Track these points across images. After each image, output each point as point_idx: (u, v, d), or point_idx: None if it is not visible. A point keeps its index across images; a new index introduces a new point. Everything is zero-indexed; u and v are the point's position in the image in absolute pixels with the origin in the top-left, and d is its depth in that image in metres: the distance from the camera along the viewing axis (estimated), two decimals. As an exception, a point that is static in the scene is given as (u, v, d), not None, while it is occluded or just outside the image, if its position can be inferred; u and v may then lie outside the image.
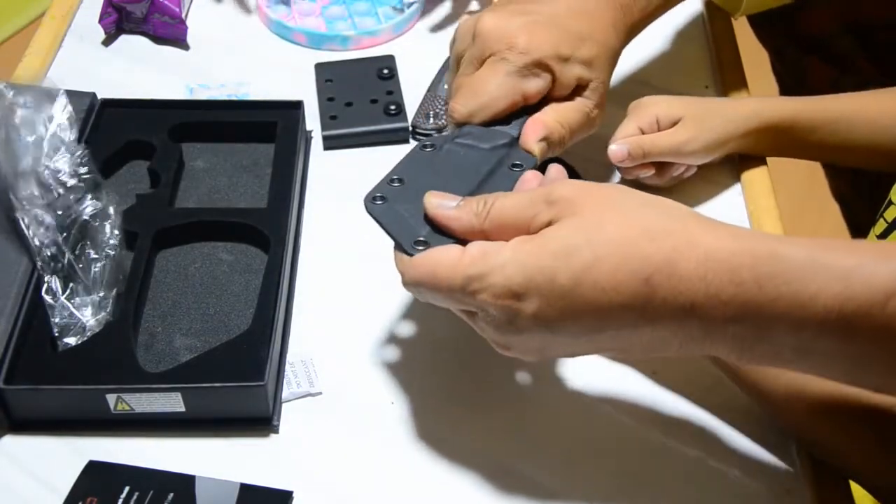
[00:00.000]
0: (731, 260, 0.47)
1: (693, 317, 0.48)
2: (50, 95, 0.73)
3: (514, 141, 0.66)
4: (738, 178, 0.83)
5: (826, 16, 0.96)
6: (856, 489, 0.63)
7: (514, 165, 0.64)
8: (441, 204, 0.56)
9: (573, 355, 0.59)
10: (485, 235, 0.54)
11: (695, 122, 0.77)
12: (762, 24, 1.04)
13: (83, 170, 0.71)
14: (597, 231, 0.49)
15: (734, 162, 0.83)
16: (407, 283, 0.56)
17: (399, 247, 0.57)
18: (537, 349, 0.54)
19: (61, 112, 0.73)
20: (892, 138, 0.76)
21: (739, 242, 0.48)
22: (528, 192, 0.55)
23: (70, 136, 0.72)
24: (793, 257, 0.47)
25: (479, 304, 0.52)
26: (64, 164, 0.70)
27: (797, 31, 0.99)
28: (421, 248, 0.56)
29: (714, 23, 0.99)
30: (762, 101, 0.81)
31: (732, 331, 0.48)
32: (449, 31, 0.98)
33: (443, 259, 0.53)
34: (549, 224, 0.51)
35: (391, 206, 0.60)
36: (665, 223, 0.50)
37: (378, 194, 0.60)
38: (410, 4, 0.99)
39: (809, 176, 1.18)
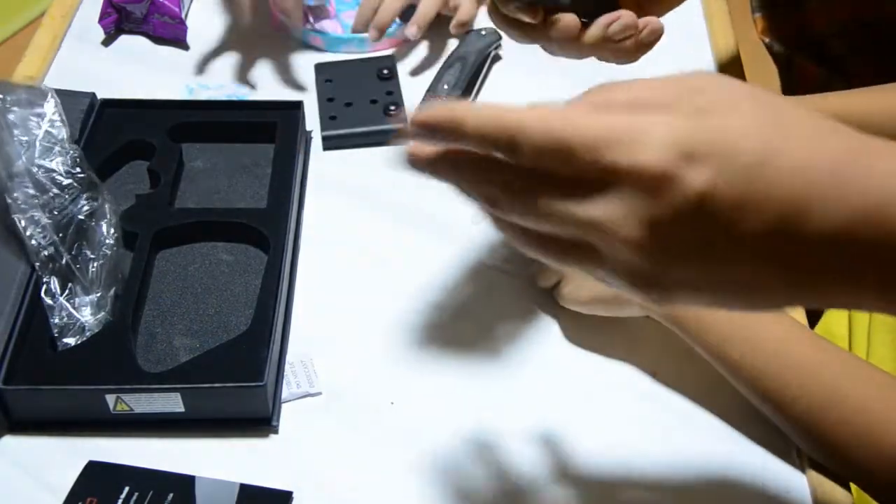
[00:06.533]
0: None
1: (881, 222, 0.37)
2: (41, 94, 0.73)
3: None
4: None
5: (825, 14, 0.96)
6: (856, 489, 0.63)
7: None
8: (545, 115, 0.39)
9: (713, 276, 0.40)
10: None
11: None
12: (765, 19, 1.03)
13: (77, 170, 0.71)
14: (784, 109, 0.39)
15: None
16: (530, 135, 0.39)
17: None
18: (682, 251, 0.39)
19: (52, 111, 0.72)
20: (888, 136, 0.76)
21: None
22: (657, 79, 0.42)
23: (62, 135, 0.72)
24: None
25: (629, 169, 0.37)
26: (58, 164, 0.70)
27: (797, 29, 0.99)
28: None
29: (714, 23, 0.99)
30: None
31: None
32: (449, 32, 0.98)
33: (580, 113, 0.39)
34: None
35: None
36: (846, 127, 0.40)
37: None
38: None
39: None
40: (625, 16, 0.63)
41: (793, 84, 1.04)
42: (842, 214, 0.37)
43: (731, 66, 0.95)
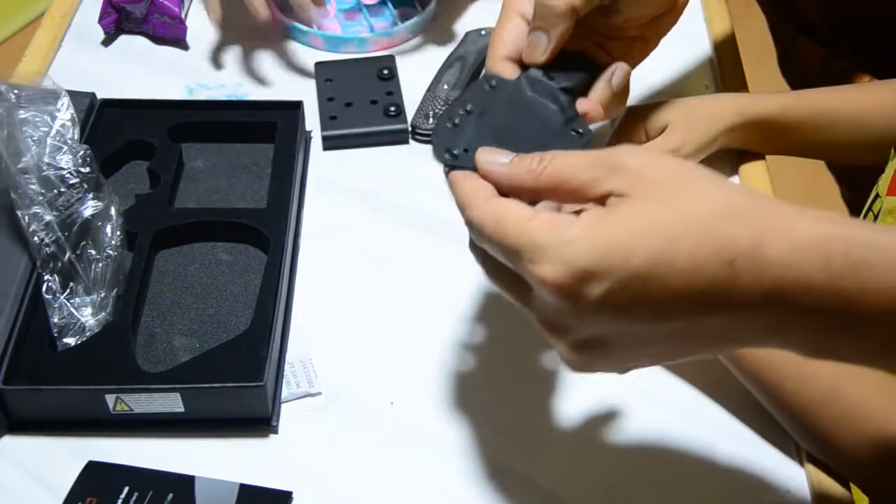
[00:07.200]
0: (824, 245, 0.43)
1: (776, 305, 0.44)
2: (53, 94, 0.73)
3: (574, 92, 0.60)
4: (735, 173, 0.83)
5: (813, 5, 0.97)
6: (856, 490, 0.63)
7: (576, 131, 0.57)
8: (490, 160, 0.51)
9: (630, 355, 0.49)
10: (536, 195, 0.49)
11: (682, 125, 0.77)
12: (763, 9, 1.05)
13: (85, 168, 0.71)
14: (677, 209, 0.45)
15: (732, 157, 0.83)
16: (471, 221, 0.49)
17: (435, 152, 0.53)
18: (595, 341, 0.47)
19: (64, 111, 0.73)
20: (875, 133, 0.76)
21: (832, 227, 0.44)
22: (589, 153, 0.49)
23: (72, 134, 0.72)
24: (894, 246, 0.43)
25: (537, 279, 0.46)
26: (66, 163, 0.70)
27: (794, 12, 1.00)
28: (448, 157, 0.52)
29: (714, 23, 0.99)
30: (746, 98, 0.81)
31: (817, 323, 0.44)
32: (450, 32, 0.98)
33: (512, 211, 0.47)
34: (609, 194, 0.46)
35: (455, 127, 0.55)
36: (747, 203, 0.45)
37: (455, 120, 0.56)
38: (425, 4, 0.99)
39: (810, 173, 1.18)
40: (619, 65, 0.63)
41: (794, 64, 1.04)
42: (742, 301, 0.44)
43: (728, 51, 0.95)
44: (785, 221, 0.44)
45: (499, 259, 0.48)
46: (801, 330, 0.45)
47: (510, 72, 0.59)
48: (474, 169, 0.51)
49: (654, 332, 0.46)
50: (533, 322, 0.49)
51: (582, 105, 0.60)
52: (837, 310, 0.43)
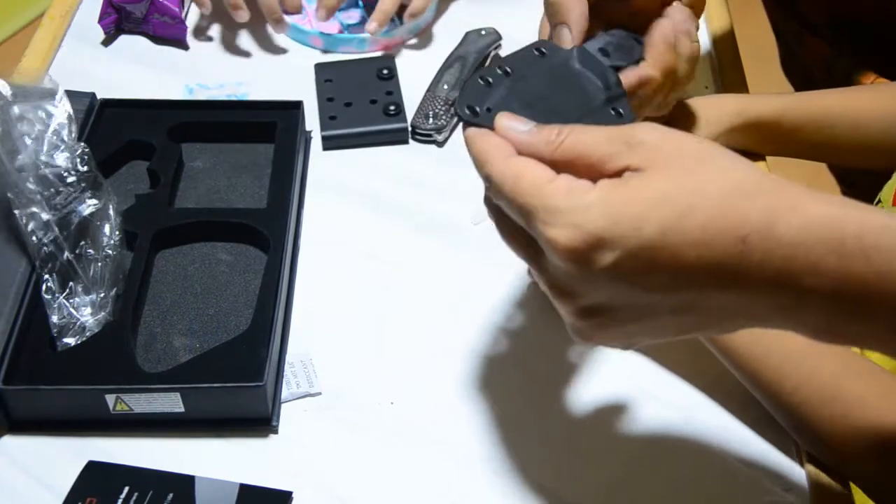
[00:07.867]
0: (836, 227, 0.43)
1: (787, 285, 0.44)
2: (49, 93, 0.73)
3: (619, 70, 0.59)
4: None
5: (816, 5, 0.97)
6: (856, 489, 0.63)
7: (616, 111, 0.56)
8: (511, 126, 0.50)
9: (636, 327, 0.49)
10: (552, 167, 0.48)
11: (682, 125, 0.77)
12: (767, 8, 1.05)
13: (83, 167, 0.71)
14: (692, 182, 0.45)
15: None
16: (489, 176, 0.48)
17: (457, 108, 0.52)
18: (601, 308, 0.47)
19: (61, 110, 0.73)
20: (875, 136, 0.76)
21: (845, 209, 0.44)
22: (607, 129, 0.49)
23: (70, 133, 0.72)
24: None
25: (549, 242, 0.45)
26: (63, 161, 0.70)
27: (797, 11, 1.00)
28: (468, 113, 0.51)
29: (714, 22, 0.99)
30: (746, 99, 0.81)
31: (828, 306, 0.44)
32: (450, 32, 0.98)
33: (532, 171, 0.47)
34: (626, 168, 0.46)
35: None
36: (763, 182, 0.45)
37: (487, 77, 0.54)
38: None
39: (811, 173, 1.18)
40: (690, 45, 0.63)
41: (799, 62, 1.04)
42: (752, 278, 0.43)
43: (728, 51, 0.95)
44: (799, 201, 0.44)
45: (513, 218, 0.48)
46: (810, 311, 0.45)
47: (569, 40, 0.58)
48: (492, 129, 0.50)
49: (661, 304, 0.46)
50: (542, 285, 0.49)
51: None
52: (848, 292, 0.43)
